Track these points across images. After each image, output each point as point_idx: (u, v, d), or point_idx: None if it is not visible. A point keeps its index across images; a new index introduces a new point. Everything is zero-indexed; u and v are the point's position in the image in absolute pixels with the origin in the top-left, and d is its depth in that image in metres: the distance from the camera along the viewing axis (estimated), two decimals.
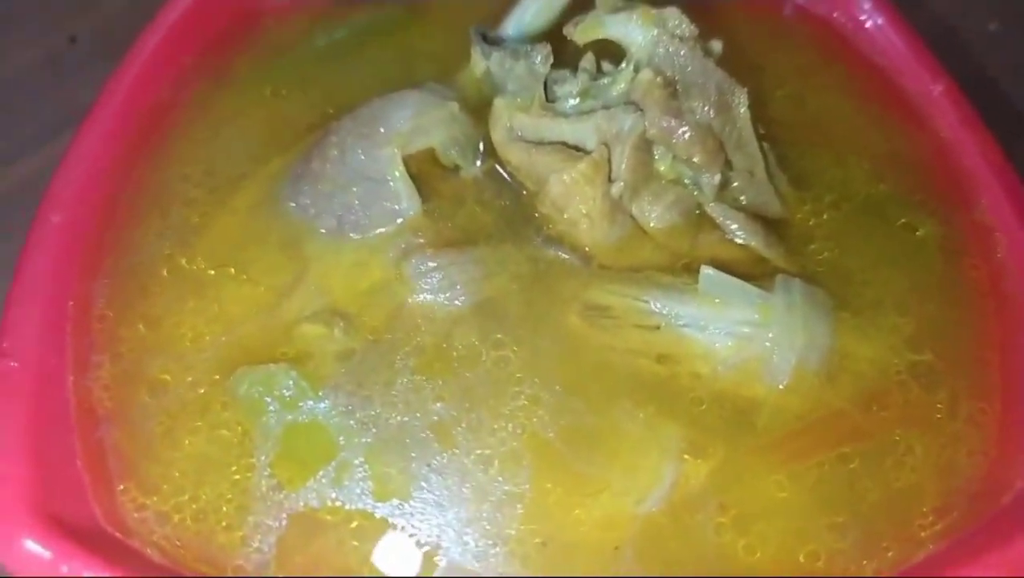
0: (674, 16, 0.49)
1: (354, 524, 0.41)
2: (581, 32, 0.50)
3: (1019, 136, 0.57)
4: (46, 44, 0.82)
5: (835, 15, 0.61)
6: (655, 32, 0.49)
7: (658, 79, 0.48)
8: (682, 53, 0.49)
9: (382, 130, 0.51)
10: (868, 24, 0.60)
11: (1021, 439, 0.44)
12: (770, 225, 0.50)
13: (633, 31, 0.49)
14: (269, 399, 0.43)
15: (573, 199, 0.48)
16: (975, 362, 0.47)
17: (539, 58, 0.50)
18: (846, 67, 0.60)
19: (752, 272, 0.47)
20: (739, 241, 0.49)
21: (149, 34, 0.56)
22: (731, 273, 0.46)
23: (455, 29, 0.58)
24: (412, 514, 0.41)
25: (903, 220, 0.52)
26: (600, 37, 0.50)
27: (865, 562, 0.41)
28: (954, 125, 0.54)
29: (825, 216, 0.51)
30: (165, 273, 0.49)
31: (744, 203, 0.50)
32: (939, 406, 0.45)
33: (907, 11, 0.63)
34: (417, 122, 0.51)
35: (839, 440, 0.44)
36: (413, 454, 0.42)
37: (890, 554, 0.41)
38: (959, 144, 0.54)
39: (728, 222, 0.49)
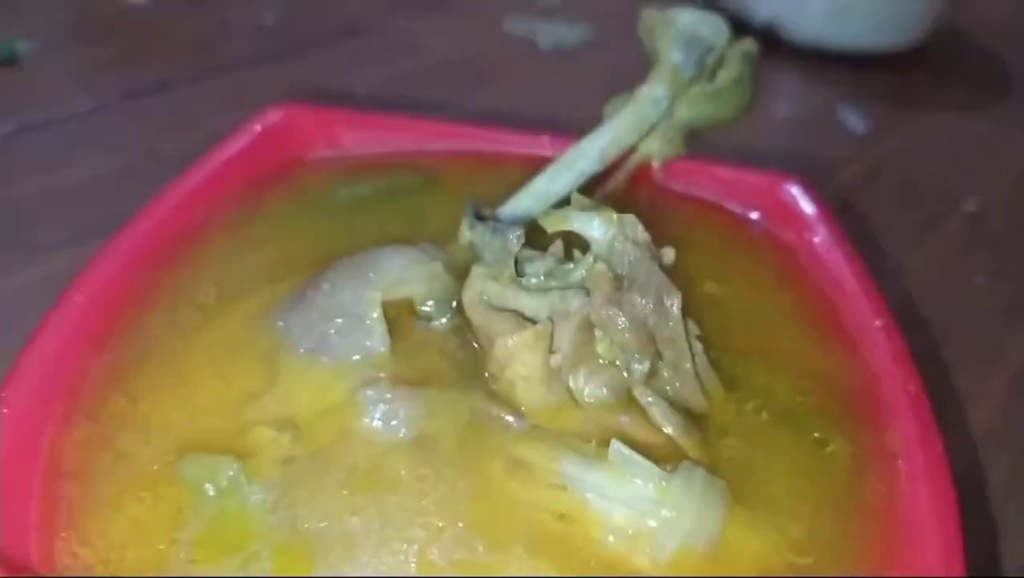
0: (631, 223, 0.57)
1: None
2: (549, 222, 0.57)
3: None
4: (125, 157, 0.94)
5: (798, 242, 0.68)
6: (613, 231, 0.56)
7: (609, 273, 0.55)
8: (633, 254, 0.56)
9: (371, 275, 0.59)
10: (824, 255, 0.66)
11: None
12: (691, 416, 0.55)
13: (595, 228, 0.57)
14: (209, 485, 0.49)
15: (513, 361, 0.54)
16: None
17: (513, 238, 0.57)
18: (799, 291, 0.66)
19: (666, 455, 0.51)
20: (659, 425, 0.54)
21: (195, 169, 0.67)
22: (646, 453, 0.50)
23: (462, 201, 0.66)
24: None
25: (816, 434, 0.56)
26: (565, 229, 0.57)
27: None
28: (883, 356, 0.59)
29: (744, 419, 0.56)
30: (158, 360, 0.56)
31: (670, 393, 0.55)
32: None
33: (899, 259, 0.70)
34: (403, 274, 0.59)
35: None
36: (317, 557, 0.47)
37: None
38: (885, 374, 0.58)
39: (651, 407, 0.54)
